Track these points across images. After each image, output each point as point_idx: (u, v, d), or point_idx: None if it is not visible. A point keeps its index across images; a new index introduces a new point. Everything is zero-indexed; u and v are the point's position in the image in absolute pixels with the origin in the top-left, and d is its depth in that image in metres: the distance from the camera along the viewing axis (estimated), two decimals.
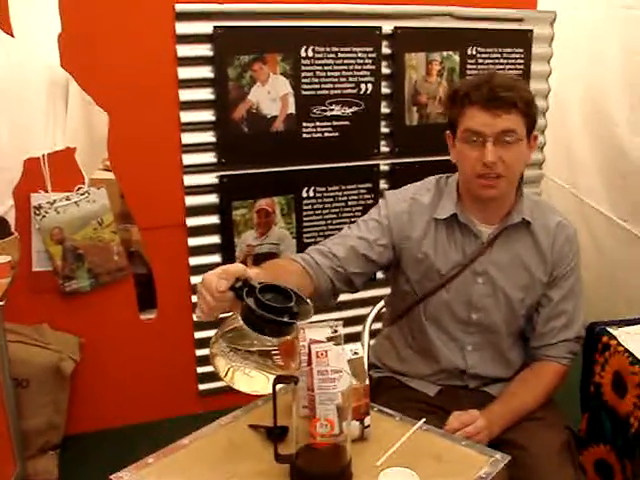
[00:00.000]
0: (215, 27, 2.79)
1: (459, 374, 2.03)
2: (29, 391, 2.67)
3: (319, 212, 3.17)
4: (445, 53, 3.16)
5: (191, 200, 2.95)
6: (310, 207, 3.14)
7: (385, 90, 3.13)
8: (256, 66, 2.87)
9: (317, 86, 3.00)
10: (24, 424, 2.64)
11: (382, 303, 2.34)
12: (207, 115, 2.89)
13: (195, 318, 3.01)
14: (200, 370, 3.14)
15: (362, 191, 3.20)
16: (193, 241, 3.00)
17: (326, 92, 3.02)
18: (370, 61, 3.05)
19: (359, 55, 3.03)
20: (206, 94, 2.87)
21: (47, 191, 2.75)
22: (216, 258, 3.03)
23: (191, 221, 2.98)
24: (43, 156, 2.73)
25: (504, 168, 1.82)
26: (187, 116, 2.86)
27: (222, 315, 1.50)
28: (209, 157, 2.94)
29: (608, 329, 2.07)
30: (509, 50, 3.26)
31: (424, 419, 1.62)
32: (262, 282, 1.45)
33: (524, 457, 1.75)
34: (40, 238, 2.79)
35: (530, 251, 1.96)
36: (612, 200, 3.34)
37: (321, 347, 1.44)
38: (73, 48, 2.64)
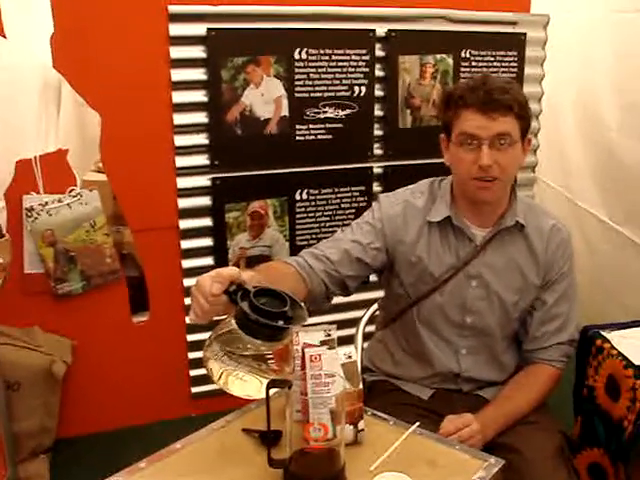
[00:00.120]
0: (208, 29, 2.78)
1: (453, 377, 2.03)
2: (20, 394, 2.65)
3: (312, 215, 3.16)
4: (439, 56, 3.16)
5: (184, 202, 2.94)
6: (303, 210, 3.13)
7: (378, 93, 3.13)
8: (249, 68, 2.87)
9: (311, 88, 2.99)
10: (15, 427, 2.63)
11: (375, 306, 2.33)
12: (200, 117, 2.88)
13: (188, 321, 3.00)
14: (193, 373, 3.13)
15: (355, 194, 3.20)
16: (186, 243, 2.99)
17: (320, 94, 3.01)
18: (364, 64, 3.04)
19: (353, 58, 3.02)
20: (199, 96, 2.86)
21: (39, 193, 2.74)
22: (209, 260, 3.02)
23: (184, 223, 2.97)
24: (35, 158, 2.72)
25: (499, 171, 1.82)
26: (180, 118, 2.85)
27: (216, 318, 1.49)
28: (202, 159, 2.93)
29: (602, 332, 2.07)
30: (502, 53, 3.26)
31: (418, 423, 1.62)
32: (256, 286, 1.44)
33: (518, 461, 1.74)
34: (32, 240, 2.77)
35: (524, 254, 1.96)
36: (606, 203, 3.34)
37: (315, 351, 1.43)
38: (66, 49, 2.63)
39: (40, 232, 2.76)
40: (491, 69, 3.24)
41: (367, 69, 3.06)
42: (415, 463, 1.47)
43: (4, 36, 2.57)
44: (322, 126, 3.05)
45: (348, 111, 3.07)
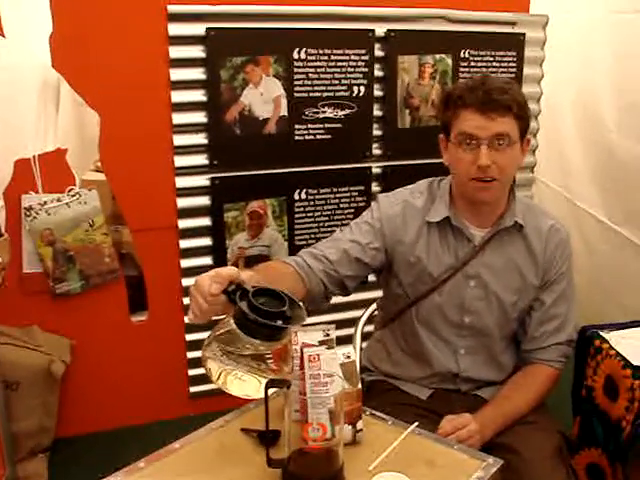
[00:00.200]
0: (208, 29, 2.78)
1: (451, 377, 2.03)
2: (19, 394, 2.65)
3: (311, 214, 3.16)
4: (438, 56, 3.16)
5: (183, 202, 2.94)
6: (302, 209, 3.13)
7: (378, 93, 3.13)
8: (249, 68, 2.86)
9: (310, 88, 2.99)
10: (14, 427, 2.63)
11: (374, 306, 2.33)
12: (199, 117, 2.88)
13: (187, 320, 3.00)
14: (191, 372, 3.12)
15: (354, 194, 3.19)
16: (184, 243, 2.99)
17: (319, 94, 3.01)
18: (363, 64, 3.04)
19: (352, 57, 3.02)
20: (198, 96, 2.86)
21: (38, 192, 2.74)
22: (207, 260, 3.02)
23: (183, 223, 2.96)
24: (34, 157, 2.72)
25: (498, 171, 1.82)
26: (179, 118, 2.85)
27: (215, 318, 1.49)
28: (201, 159, 2.93)
29: (600, 333, 2.07)
30: (502, 53, 3.26)
31: (417, 423, 1.62)
32: (255, 286, 1.44)
33: (517, 461, 1.74)
34: (31, 239, 2.77)
35: (522, 254, 1.96)
36: (605, 204, 3.34)
37: (313, 351, 1.43)
38: (65, 49, 2.62)
39: (39, 231, 2.76)
40: (490, 69, 3.24)
41: (366, 69, 3.05)
42: (413, 463, 1.47)
43: (3, 35, 2.57)
44: (321, 126, 3.05)
45: (347, 111, 3.07)
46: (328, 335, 1.53)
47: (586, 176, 3.46)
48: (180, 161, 2.89)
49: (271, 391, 1.40)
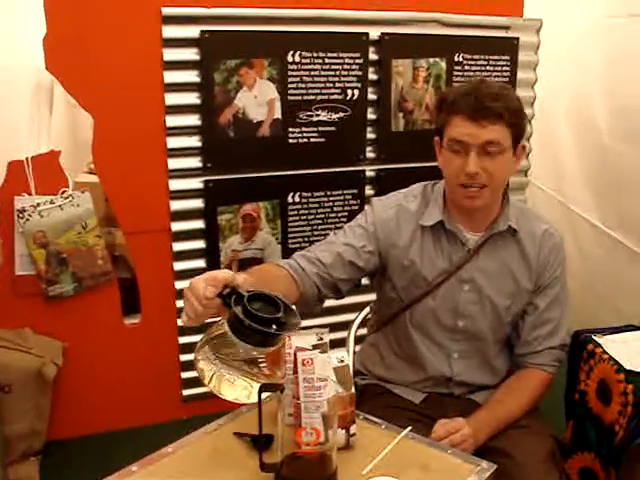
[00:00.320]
0: (202, 31, 2.78)
1: (445, 381, 2.03)
2: (11, 396, 2.64)
3: (304, 217, 3.16)
4: (432, 60, 3.16)
5: (176, 205, 2.93)
6: (296, 212, 3.13)
7: (371, 96, 3.13)
8: (243, 71, 2.86)
9: (304, 91, 2.99)
10: (5, 429, 2.62)
11: (367, 309, 2.33)
12: (193, 119, 2.87)
13: (180, 323, 2.98)
14: (184, 375, 3.12)
15: (348, 197, 3.19)
16: (178, 246, 2.98)
17: (312, 97, 3.01)
18: (357, 67, 3.04)
19: (346, 61, 3.02)
20: (192, 98, 2.85)
21: (31, 194, 2.73)
22: (201, 263, 3.02)
23: (176, 226, 2.96)
24: (27, 159, 2.71)
25: (487, 178, 1.81)
26: (173, 120, 2.84)
27: (208, 320, 1.48)
28: (195, 162, 2.92)
29: (593, 337, 2.07)
30: (495, 57, 3.27)
31: (410, 427, 1.61)
32: (251, 290, 1.43)
33: (510, 465, 1.74)
34: (23, 242, 2.76)
35: (516, 259, 1.96)
36: (599, 208, 3.34)
37: (307, 355, 1.43)
38: (58, 50, 2.62)
39: (31, 234, 2.75)
40: (484, 73, 3.24)
41: (360, 72, 3.05)
42: (407, 467, 1.47)
43: None
44: (315, 129, 3.04)
45: (341, 114, 3.07)
46: (322, 339, 1.52)
47: (580, 180, 3.46)
48: (174, 163, 2.89)
49: (264, 395, 1.39)
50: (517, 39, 3.29)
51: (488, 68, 3.26)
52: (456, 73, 3.21)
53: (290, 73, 2.95)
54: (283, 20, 2.90)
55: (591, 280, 3.40)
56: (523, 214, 2.00)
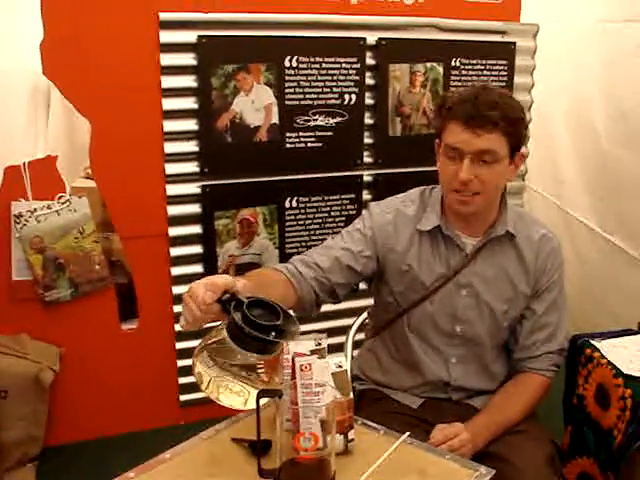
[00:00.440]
0: (199, 36, 2.78)
1: (443, 386, 2.02)
2: (7, 402, 2.63)
3: (302, 222, 3.15)
4: (429, 64, 3.17)
5: (173, 210, 2.93)
6: (293, 217, 3.13)
7: (369, 101, 3.13)
8: (240, 76, 2.86)
9: (301, 96, 2.99)
10: (2, 435, 2.62)
11: (365, 314, 2.33)
12: (190, 124, 2.87)
13: (178, 327, 2.98)
14: (182, 381, 3.11)
15: (345, 202, 3.19)
16: (175, 251, 2.98)
17: (310, 102, 3.01)
18: (354, 72, 3.05)
19: (343, 66, 3.02)
20: (189, 103, 2.85)
21: (28, 199, 2.73)
22: (198, 268, 3.01)
23: (173, 231, 2.96)
24: (24, 164, 2.71)
25: (480, 185, 1.81)
26: (170, 125, 2.84)
27: (207, 325, 1.48)
28: (192, 166, 2.92)
29: (591, 341, 2.07)
30: (492, 62, 3.27)
31: (408, 432, 1.61)
32: (250, 297, 1.42)
33: (508, 471, 1.73)
34: (20, 247, 2.75)
35: (514, 263, 1.96)
36: (597, 212, 3.34)
37: (305, 360, 1.42)
38: (55, 55, 2.62)
39: (28, 239, 2.75)
40: (481, 78, 3.25)
41: (357, 77, 3.06)
42: (405, 473, 1.47)
43: None
44: (312, 134, 3.05)
45: (338, 119, 3.07)
46: (320, 344, 1.52)
47: (578, 184, 3.46)
48: (171, 168, 2.89)
49: (262, 401, 1.39)
50: (514, 44, 3.29)
51: (485, 73, 3.27)
52: (453, 78, 3.22)
53: (287, 78, 2.95)
54: (280, 25, 2.90)
55: (589, 284, 3.40)
56: (521, 218, 1.99)
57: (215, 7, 2.79)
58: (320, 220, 3.17)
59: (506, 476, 1.71)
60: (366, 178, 3.21)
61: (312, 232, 3.17)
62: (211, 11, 2.79)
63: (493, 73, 3.28)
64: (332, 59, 3.00)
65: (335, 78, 3.03)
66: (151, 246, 2.94)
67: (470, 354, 2.00)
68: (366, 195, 3.21)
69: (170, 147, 2.86)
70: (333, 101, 3.05)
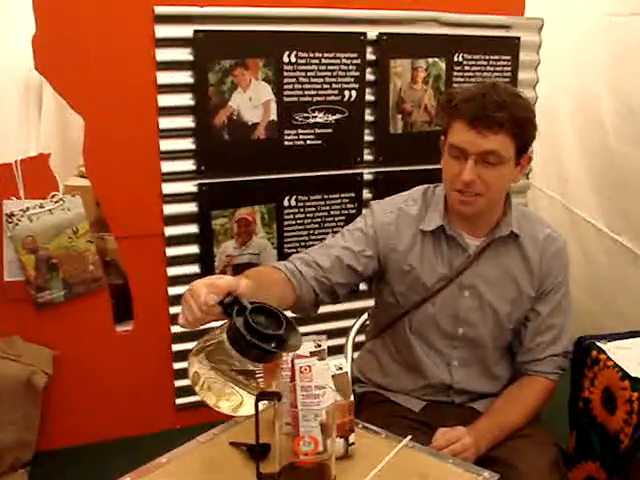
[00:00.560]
0: (195, 31, 2.78)
1: (445, 389, 2.03)
2: None
3: (301, 222, 3.16)
4: (431, 60, 3.17)
5: (169, 209, 2.94)
6: (292, 217, 3.13)
7: (369, 97, 3.13)
8: (237, 71, 2.87)
9: (300, 92, 2.99)
10: None
11: (365, 316, 2.33)
12: (187, 121, 2.88)
13: (175, 329, 3.00)
14: (178, 384, 3.12)
15: (345, 200, 3.20)
16: (171, 251, 2.99)
17: (309, 99, 3.02)
18: (354, 67, 3.05)
19: (343, 61, 3.03)
20: (186, 100, 2.86)
21: (20, 198, 2.73)
22: (195, 268, 3.02)
23: (169, 230, 2.96)
24: (16, 162, 2.71)
25: (483, 187, 1.81)
26: (166, 122, 2.85)
27: (205, 326, 1.48)
28: (188, 165, 2.93)
29: (597, 343, 2.07)
30: (496, 57, 3.27)
31: (410, 436, 1.61)
32: (254, 302, 1.42)
33: (512, 475, 1.74)
34: (12, 247, 2.76)
35: (518, 264, 1.96)
36: (604, 211, 3.33)
37: (305, 362, 1.43)
38: (48, 50, 2.62)
39: (20, 238, 2.75)
40: (484, 73, 3.25)
41: (357, 73, 3.06)
42: (407, 477, 1.47)
43: None
44: (311, 131, 3.05)
45: (338, 116, 3.08)
46: (320, 346, 1.53)
47: (585, 183, 3.45)
48: (167, 167, 2.89)
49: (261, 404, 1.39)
50: (518, 39, 3.30)
51: (488, 68, 3.27)
52: (456, 73, 3.22)
53: (286, 74, 2.95)
54: (279, 20, 2.90)
55: (595, 285, 3.40)
56: (525, 218, 1.99)
57: (212, 1, 2.80)
58: (319, 219, 3.18)
59: None
60: (366, 176, 3.21)
61: (311, 232, 3.17)
62: (208, 5, 2.79)
63: (497, 69, 3.28)
64: (332, 54, 3.00)
65: (335, 74, 3.03)
66: (146, 246, 2.94)
67: (473, 356, 2.01)
68: (366, 194, 3.22)
69: (166, 145, 2.87)
70: (333, 97, 3.05)
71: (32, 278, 2.80)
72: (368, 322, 2.30)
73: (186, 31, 2.78)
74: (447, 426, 1.83)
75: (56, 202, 2.78)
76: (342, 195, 3.19)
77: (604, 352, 2.04)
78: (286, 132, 3.01)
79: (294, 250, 3.10)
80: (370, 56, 3.08)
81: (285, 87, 2.97)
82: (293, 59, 2.94)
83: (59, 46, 2.63)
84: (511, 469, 1.76)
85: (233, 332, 1.37)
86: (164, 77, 2.80)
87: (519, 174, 1.90)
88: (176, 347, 3.06)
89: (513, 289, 1.97)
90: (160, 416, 3.13)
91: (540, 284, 1.97)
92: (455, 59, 3.21)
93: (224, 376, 1.43)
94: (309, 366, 1.42)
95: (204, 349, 1.43)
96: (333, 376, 1.52)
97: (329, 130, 3.07)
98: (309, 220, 3.17)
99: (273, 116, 2.97)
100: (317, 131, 3.06)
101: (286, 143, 3.02)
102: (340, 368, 1.56)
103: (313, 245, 2.05)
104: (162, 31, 2.76)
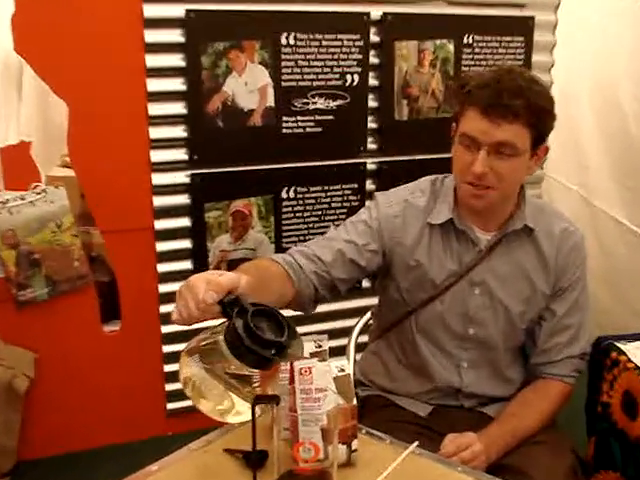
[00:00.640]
0: (187, 10, 2.78)
1: (454, 393, 2.03)
2: None
3: (300, 215, 3.16)
4: (438, 42, 3.17)
5: (160, 201, 2.94)
6: (290, 209, 3.14)
7: (373, 82, 3.14)
8: (232, 54, 2.87)
9: (299, 77, 3.00)
10: None
11: (369, 315, 2.34)
12: (178, 108, 2.88)
13: (165, 329, 3.01)
14: (169, 387, 3.13)
15: (347, 192, 3.20)
16: (161, 246, 2.99)
17: (309, 83, 3.02)
18: (357, 50, 3.05)
19: (345, 43, 3.03)
20: (177, 84, 2.86)
21: None
22: (187, 264, 3.03)
23: (160, 224, 2.97)
24: None
25: (495, 180, 1.80)
26: (156, 108, 2.85)
27: (200, 325, 1.48)
28: (180, 154, 2.93)
29: (617, 344, 2.07)
30: (508, 38, 3.28)
31: (417, 442, 1.61)
32: (256, 305, 1.41)
33: None
34: None
35: (532, 260, 1.96)
36: (625, 203, 3.32)
37: (304, 364, 1.43)
38: (28, 30, 2.62)
39: (0, 233, 2.75)
40: (496, 56, 3.25)
41: (360, 56, 3.06)
42: None
43: None
44: (311, 118, 3.05)
45: (339, 102, 3.08)
46: (320, 347, 1.53)
47: (605, 173, 3.44)
48: (157, 156, 2.90)
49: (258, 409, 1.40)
50: (532, 18, 3.30)
51: (500, 50, 3.27)
52: (465, 56, 3.23)
53: (284, 57, 2.95)
54: None
55: (616, 282, 3.39)
56: (541, 211, 1.99)
57: None
58: (320, 212, 3.18)
59: None
60: (370, 166, 3.22)
61: (311, 225, 3.18)
62: None
63: (509, 51, 3.29)
64: (333, 36, 3.00)
65: (336, 57, 3.03)
66: (135, 240, 2.95)
67: (483, 358, 2.01)
68: (370, 185, 3.22)
69: (156, 132, 2.87)
70: (334, 82, 3.06)
71: (13, 275, 2.80)
72: (372, 322, 2.30)
73: (177, 10, 2.78)
74: (456, 432, 1.83)
75: (38, 193, 2.79)
76: (344, 186, 3.19)
77: (624, 353, 2.03)
78: (284, 119, 3.02)
79: (292, 245, 3.06)
80: (374, 37, 3.09)
81: (283, 71, 2.97)
82: (292, 41, 2.94)
83: (40, 26, 2.63)
84: (525, 477, 1.76)
85: (231, 335, 1.36)
86: (153, 60, 2.80)
87: (535, 166, 1.89)
88: (167, 348, 3.07)
89: (526, 286, 1.96)
90: (150, 422, 3.13)
91: (556, 281, 1.97)
92: (464, 41, 3.21)
93: (217, 379, 1.43)
94: (309, 367, 1.42)
95: (198, 349, 1.43)
96: (335, 378, 1.51)
97: (330, 117, 3.08)
98: (309, 213, 3.17)
99: (270, 102, 2.98)
100: (317, 118, 3.06)
101: (284, 131, 3.03)
102: (342, 370, 1.56)
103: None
104: (151, 10, 2.76)
